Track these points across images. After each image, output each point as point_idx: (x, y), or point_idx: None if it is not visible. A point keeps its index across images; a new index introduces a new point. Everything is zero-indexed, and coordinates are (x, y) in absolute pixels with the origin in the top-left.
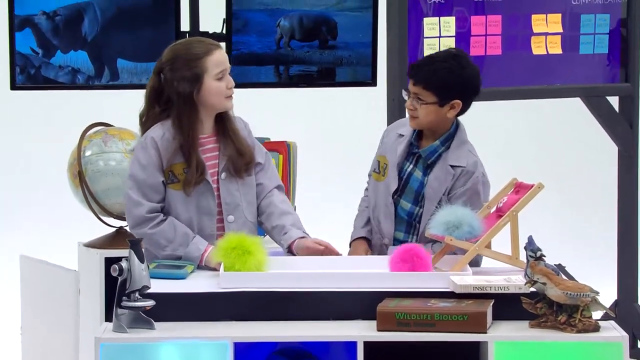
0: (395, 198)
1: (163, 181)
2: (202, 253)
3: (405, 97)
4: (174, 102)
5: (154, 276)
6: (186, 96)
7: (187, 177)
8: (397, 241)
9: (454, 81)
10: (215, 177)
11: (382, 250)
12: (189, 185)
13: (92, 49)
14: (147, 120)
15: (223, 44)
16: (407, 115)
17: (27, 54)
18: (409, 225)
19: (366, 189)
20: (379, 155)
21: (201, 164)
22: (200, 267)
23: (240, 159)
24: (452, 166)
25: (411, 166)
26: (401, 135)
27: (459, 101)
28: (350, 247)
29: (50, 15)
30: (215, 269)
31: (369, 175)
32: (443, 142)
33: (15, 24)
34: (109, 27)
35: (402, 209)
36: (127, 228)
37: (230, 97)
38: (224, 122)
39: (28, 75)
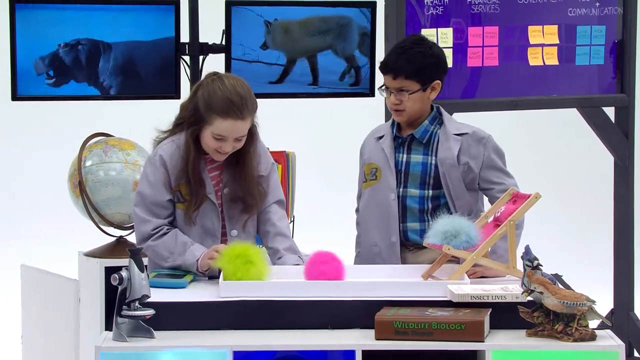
0: (401, 190)
1: (170, 199)
2: (197, 259)
3: (383, 95)
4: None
5: (153, 285)
6: (190, 120)
7: (187, 205)
8: (412, 232)
9: (430, 62)
10: (219, 194)
11: (390, 251)
12: (189, 211)
13: (103, 90)
14: (182, 109)
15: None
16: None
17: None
18: (421, 212)
19: (357, 210)
20: (365, 165)
21: (202, 188)
22: (199, 276)
23: (244, 206)
24: (456, 134)
25: (405, 155)
26: (380, 138)
27: (438, 81)
28: None
29: (73, 45)
30: (209, 269)
31: (358, 197)
32: (431, 122)
33: (39, 63)
34: (121, 72)
35: (411, 199)
36: (129, 238)
37: (220, 153)
38: (238, 161)
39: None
